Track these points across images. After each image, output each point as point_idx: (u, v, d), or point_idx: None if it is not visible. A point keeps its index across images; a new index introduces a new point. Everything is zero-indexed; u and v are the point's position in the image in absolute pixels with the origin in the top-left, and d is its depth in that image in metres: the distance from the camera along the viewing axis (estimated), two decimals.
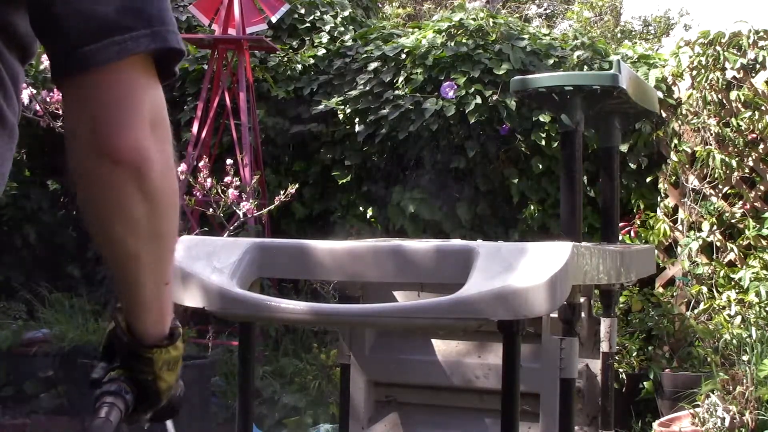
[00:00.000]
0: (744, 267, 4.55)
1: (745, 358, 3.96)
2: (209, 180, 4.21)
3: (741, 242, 4.64)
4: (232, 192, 4.20)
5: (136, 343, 1.00)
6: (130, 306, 1.00)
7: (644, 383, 4.28)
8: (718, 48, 4.81)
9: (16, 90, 1.00)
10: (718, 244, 4.70)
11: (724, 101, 4.81)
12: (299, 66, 5.68)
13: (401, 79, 5.24)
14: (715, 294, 4.57)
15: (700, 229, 4.72)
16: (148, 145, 0.93)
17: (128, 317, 1.01)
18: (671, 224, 4.81)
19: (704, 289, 4.57)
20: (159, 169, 0.94)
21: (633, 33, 13.71)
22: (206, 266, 1.86)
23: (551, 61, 5.12)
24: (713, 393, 3.71)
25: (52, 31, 0.92)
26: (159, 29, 0.94)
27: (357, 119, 5.28)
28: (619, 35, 12.61)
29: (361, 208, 5.37)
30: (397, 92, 5.21)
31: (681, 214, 4.83)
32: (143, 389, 1.00)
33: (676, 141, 4.86)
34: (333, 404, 4.08)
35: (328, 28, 5.99)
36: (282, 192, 4.33)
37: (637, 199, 4.99)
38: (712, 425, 3.63)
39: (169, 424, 1.17)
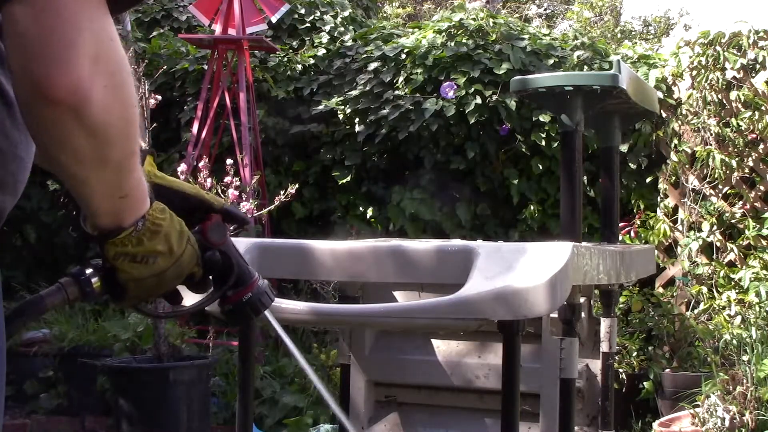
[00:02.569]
0: (744, 267, 4.55)
1: (745, 358, 3.96)
2: (209, 180, 4.21)
3: (741, 242, 4.64)
4: (232, 192, 4.20)
5: (90, 235, 1.02)
6: (85, 212, 1.01)
7: (644, 383, 4.28)
8: (718, 48, 4.81)
9: None
10: (718, 244, 4.70)
11: (724, 101, 4.81)
12: (299, 66, 5.68)
13: (401, 79, 5.24)
14: (715, 294, 4.57)
15: (700, 229, 4.72)
16: (87, 85, 0.86)
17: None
18: (671, 224, 4.81)
19: (704, 289, 4.57)
20: (101, 105, 0.88)
21: (633, 33, 13.71)
22: None
23: (551, 61, 5.12)
24: (713, 393, 3.71)
25: None
26: None
27: (357, 119, 5.28)
28: (619, 35, 12.61)
29: (361, 208, 5.37)
30: (397, 92, 5.21)
31: (681, 214, 4.83)
32: (109, 279, 1.03)
33: (676, 141, 4.86)
34: None
35: (328, 28, 5.99)
36: (282, 192, 4.33)
37: (637, 199, 4.99)
38: (712, 425, 3.63)
39: (270, 317, 1.24)
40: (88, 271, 1.04)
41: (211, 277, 1.15)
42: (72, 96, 0.86)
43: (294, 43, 6.00)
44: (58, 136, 0.90)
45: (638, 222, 4.86)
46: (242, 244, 1.95)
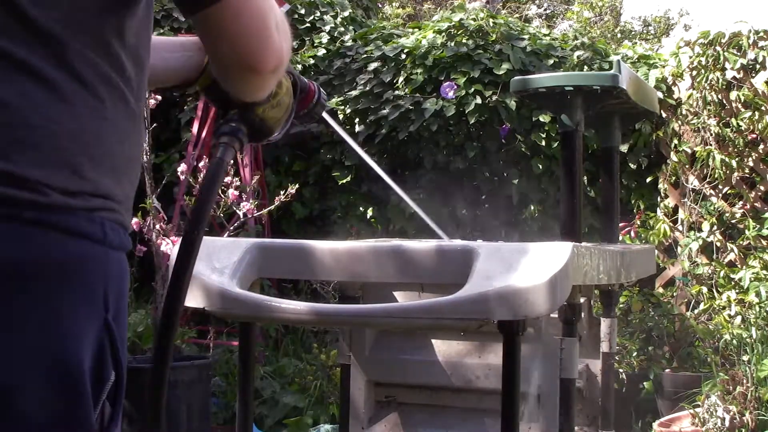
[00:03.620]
0: (744, 267, 4.54)
1: (745, 358, 3.96)
2: None
3: (741, 242, 4.64)
4: (232, 192, 4.19)
5: (240, 103, 1.30)
6: (247, 99, 1.28)
7: (644, 383, 4.28)
8: (718, 48, 4.81)
9: (138, 77, 1.11)
10: (718, 244, 4.70)
11: (724, 101, 4.81)
12: (299, 66, 5.68)
13: (401, 79, 5.24)
14: (715, 294, 4.57)
15: (700, 230, 4.72)
16: (283, 54, 1.14)
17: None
18: (671, 224, 4.81)
19: (704, 290, 4.57)
20: (287, 59, 1.17)
21: (633, 33, 13.72)
22: (206, 267, 1.86)
23: (551, 62, 5.12)
24: (713, 393, 3.71)
25: None
26: None
27: (357, 119, 5.29)
28: (619, 35, 12.61)
29: (361, 208, 5.37)
30: (397, 92, 5.21)
31: (681, 214, 4.83)
32: (254, 127, 1.32)
33: (676, 141, 4.86)
34: (333, 404, 4.08)
35: (328, 28, 5.99)
36: (282, 192, 4.33)
37: (637, 199, 4.99)
38: (712, 425, 3.63)
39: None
40: (233, 124, 1.31)
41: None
42: (277, 65, 1.14)
43: (294, 43, 6.00)
44: (259, 89, 1.22)
45: (638, 222, 4.86)
46: (242, 244, 1.95)
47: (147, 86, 1.17)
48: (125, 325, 1.08)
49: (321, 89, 1.56)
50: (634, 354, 4.45)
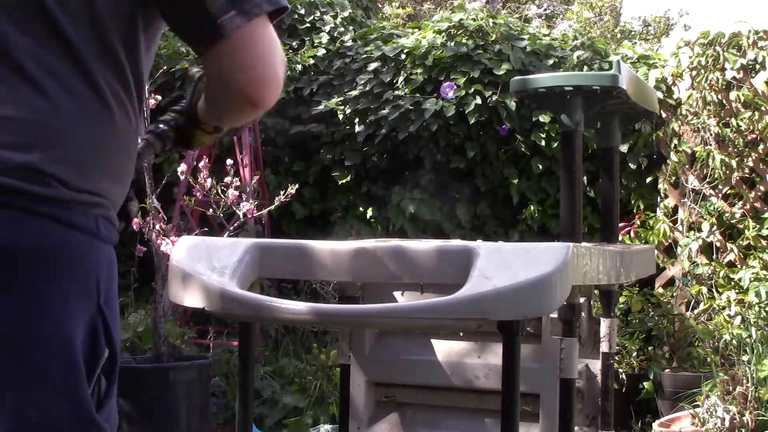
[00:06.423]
0: (744, 267, 4.54)
1: (745, 358, 3.96)
2: (209, 180, 4.21)
3: (741, 242, 4.64)
4: (232, 192, 4.19)
5: (193, 115, 1.48)
6: (214, 123, 1.47)
7: (644, 383, 4.28)
8: (717, 48, 4.81)
9: (139, 97, 1.25)
10: (718, 244, 4.70)
11: (724, 101, 4.81)
12: (299, 66, 5.68)
13: (401, 79, 5.24)
14: (715, 294, 4.57)
15: (700, 230, 4.72)
16: (278, 92, 1.22)
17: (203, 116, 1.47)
18: (671, 224, 4.81)
19: (704, 290, 4.57)
20: (277, 94, 1.24)
21: (633, 33, 13.72)
22: (206, 267, 1.86)
23: (551, 62, 5.12)
24: (713, 393, 3.71)
25: (191, 14, 1.18)
26: None
27: (357, 119, 5.28)
28: (618, 35, 12.61)
29: (361, 209, 5.37)
30: (397, 92, 5.21)
31: (681, 214, 4.83)
32: (182, 142, 1.51)
33: (676, 141, 4.86)
34: (333, 404, 4.08)
35: (328, 28, 5.99)
36: (282, 192, 4.33)
37: (637, 199, 4.99)
38: (712, 425, 3.63)
39: None
40: (162, 127, 1.49)
41: None
42: (273, 101, 1.22)
43: (294, 43, 6.00)
44: (240, 116, 1.32)
45: (638, 222, 4.86)
46: (242, 244, 1.95)
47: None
48: (117, 308, 1.22)
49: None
50: (634, 354, 4.45)
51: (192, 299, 1.83)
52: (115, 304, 1.21)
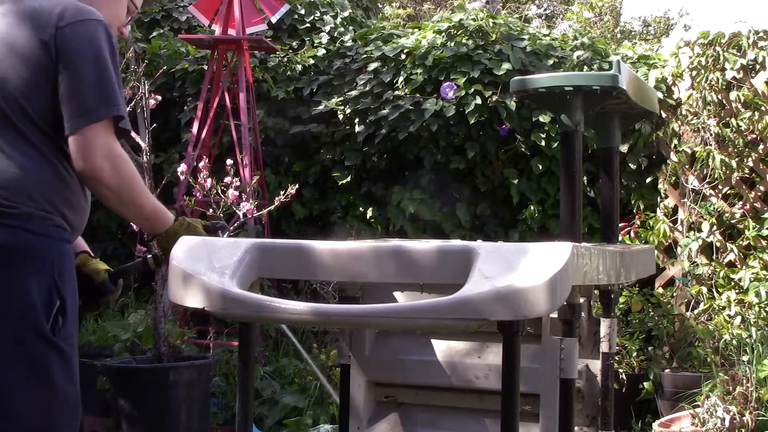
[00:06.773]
0: (744, 267, 4.55)
1: (745, 358, 3.96)
2: (209, 180, 4.21)
3: (741, 242, 4.64)
4: (232, 192, 4.19)
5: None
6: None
7: (644, 383, 4.28)
8: (717, 48, 4.81)
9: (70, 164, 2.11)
10: (718, 244, 4.70)
11: (724, 102, 4.81)
12: (299, 66, 5.68)
13: (401, 79, 5.25)
14: (715, 294, 4.57)
15: (699, 230, 4.72)
16: (99, 168, 2.00)
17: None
18: (671, 224, 4.81)
19: (704, 290, 4.58)
20: (110, 178, 2.01)
21: (633, 33, 13.73)
22: (206, 267, 1.86)
23: (551, 62, 5.12)
24: (713, 393, 3.71)
25: (65, 112, 2.02)
26: (115, 106, 2.02)
27: (357, 119, 5.29)
28: (618, 35, 12.62)
29: (361, 209, 5.37)
30: (397, 92, 5.21)
31: (681, 214, 4.83)
32: (157, 258, 2.27)
33: (676, 141, 4.86)
34: (333, 404, 4.08)
35: (328, 28, 5.99)
36: (282, 192, 4.33)
37: (637, 199, 4.99)
38: (712, 425, 3.63)
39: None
40: (155, 251, 2.24)
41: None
42: (93, 174, 2.01)
43: (294, 44, 6.01)
44: (97, 191, 2.05)
45: (638, 222, 4.86)
46: (242, 244, 1.95)
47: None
48: (70, 277, 2.04)
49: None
50: (634, 354, 4.45)
51: (192, 299, 1.83)
52: (68, 275, 2.02)
